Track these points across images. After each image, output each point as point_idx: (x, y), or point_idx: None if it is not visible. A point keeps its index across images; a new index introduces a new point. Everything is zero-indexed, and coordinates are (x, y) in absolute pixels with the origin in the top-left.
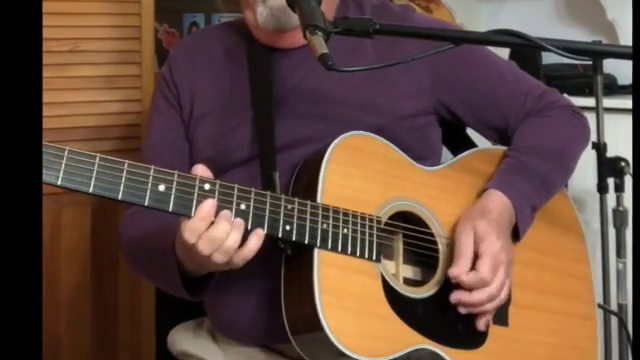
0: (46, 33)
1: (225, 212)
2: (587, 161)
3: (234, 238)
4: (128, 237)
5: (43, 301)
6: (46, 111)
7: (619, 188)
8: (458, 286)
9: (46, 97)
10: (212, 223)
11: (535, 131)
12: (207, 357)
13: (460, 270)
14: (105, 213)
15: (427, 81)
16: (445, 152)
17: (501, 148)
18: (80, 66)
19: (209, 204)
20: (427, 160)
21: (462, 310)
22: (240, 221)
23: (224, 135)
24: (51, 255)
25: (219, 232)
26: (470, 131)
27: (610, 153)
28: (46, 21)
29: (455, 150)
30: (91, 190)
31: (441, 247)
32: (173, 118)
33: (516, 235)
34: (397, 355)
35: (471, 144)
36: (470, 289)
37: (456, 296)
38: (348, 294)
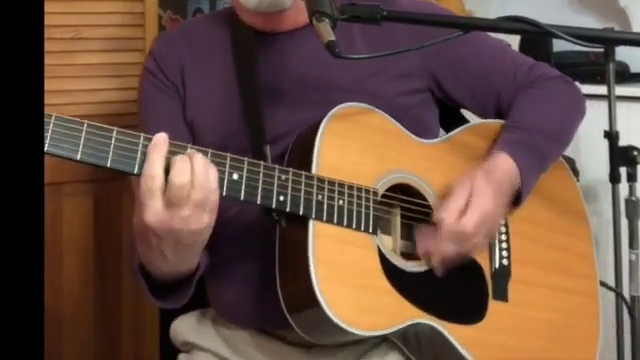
0: (48, 20)
1: (179, 156)
2: (598, 150)
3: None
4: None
5: (45, 293)
6: (47, 99)
7: (631, 178)
8: None
9: (48, 85)
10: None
11: (531, 105)
12: (209, 345)
13: (446, 215)
14: (108, 203)
15: (417, 59)
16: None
17: (499, 122)
18: (82, 53)
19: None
20: (424, 138)
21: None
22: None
23: (218, 122)
24: (53, 247)
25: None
26: (467, 113)
27: (622, 142)
28: (48, 7)
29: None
30: (79, 157)
31: None
32: (170, 104)
33: (517, 200)
34: (395, 329)
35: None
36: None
37: (425, 247)
38: (344, 267)
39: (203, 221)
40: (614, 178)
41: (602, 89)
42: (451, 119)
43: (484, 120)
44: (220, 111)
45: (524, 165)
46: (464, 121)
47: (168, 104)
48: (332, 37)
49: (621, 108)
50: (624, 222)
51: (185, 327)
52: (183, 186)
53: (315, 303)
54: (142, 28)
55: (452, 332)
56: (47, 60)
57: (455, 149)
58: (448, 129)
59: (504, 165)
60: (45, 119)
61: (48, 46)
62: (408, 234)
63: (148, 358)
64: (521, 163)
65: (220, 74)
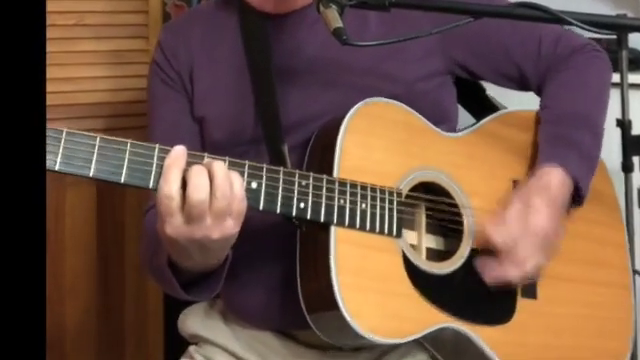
0: (50, 6)
1: (195, 168)
2: (611, 139)
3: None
4: (141, 257)
5: (47, 285)
6: (50, 87)
7: None
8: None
9: (50, 72)
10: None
11: (566, 92)
12: (218, 340)
13: (500, 238)
14: (111, 194)
15: (434, 40)
16: (467, 117)
17: (527, 110)
18: (85, 40)
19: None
20: (444, 124)
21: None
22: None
23: (228, 116)
24: (55, 237)
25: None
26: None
27: (635, 131)
28: None
29: (476, 113)
30: (92, 174)
31: (466, 219)
32: (178, 101)
33: (579, 200)
34: (419, 335)
35: (493, 105)
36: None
37: (490, 272)
38: (367, 273)
39: (226, 229)
40: (627, 167)
41: (615, 77)
42: (476, 100)
43: (514, 109)
44: (231, 102)
45: (573, 168)
46: (486, 100)
47: (176, 100)
48: (339, 24)
49: (634, 96)
50: (637, 212)
51: (193, 319)
52: (201, 202)
53: (338, 311)
54: (146, 15)
55: (480, 334)
56: (50, 47)
57: (483, 142)
58: (470, 108)
59: (557, 179)
60: (56, 135)
61: (51, 33)
62: (433, 228)
63: (152, 350)
64: (570, 168)
65: (230, 63)
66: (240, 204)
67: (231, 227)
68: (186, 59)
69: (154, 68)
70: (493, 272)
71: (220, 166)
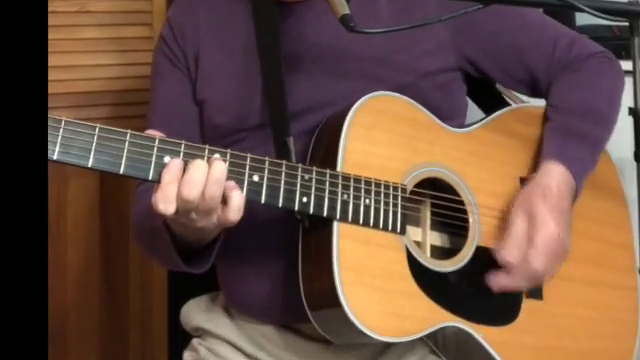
0: None
1: (196, 161)
2: (623, 128)
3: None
4: (133, 220)
5: (49, 277)
6: (52, 75)
7: None
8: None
9: (52, 60)
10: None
11: (576, 89)
12: (221, 333)
13: (511, 258)
14: (114, 183)
15: (447, 35)
16: (475, 110)
17: (536, 106)
18: (88, 27)
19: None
20: (452, 120)
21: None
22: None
23: (233, 101)
24: (57, 229)
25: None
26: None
27: None
28: None
29: (486, 107)
30: (90, 164)
31: (471, 216)
32: (179, 80)
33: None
34: (422, 334)
35: (502, 100)
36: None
37: (499, 282)
38: (370, 270)
39: (211, 224)
40: (639, 156)
41: (627, 65)
42: (483, 92)
43: (523, 104)
44: (239, 86)
45: (576, 165)
46: (496, 94)
47: (177, 78)
48: (347, 10)
49: None
50: None
51: (196, 312)
52: (191, 201)
53: (340, 309)
54: (149, 1)
55: (483, 335)
56: (51, 35)
57: (491, 138)
58: (480, 102)
59: (558, 178)
60: (55, 124)
61: (52, 20)
62: (438, 225)
63: (156, 342)
64: (573, 166)
65: (240, 47)
66: (231, 214)
67: (215, 224)
68: (193, 39)
69: (160, 43)
70: (502, 282)
71: (220, 169)
